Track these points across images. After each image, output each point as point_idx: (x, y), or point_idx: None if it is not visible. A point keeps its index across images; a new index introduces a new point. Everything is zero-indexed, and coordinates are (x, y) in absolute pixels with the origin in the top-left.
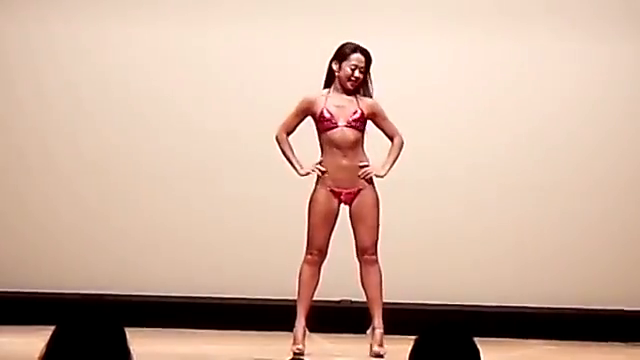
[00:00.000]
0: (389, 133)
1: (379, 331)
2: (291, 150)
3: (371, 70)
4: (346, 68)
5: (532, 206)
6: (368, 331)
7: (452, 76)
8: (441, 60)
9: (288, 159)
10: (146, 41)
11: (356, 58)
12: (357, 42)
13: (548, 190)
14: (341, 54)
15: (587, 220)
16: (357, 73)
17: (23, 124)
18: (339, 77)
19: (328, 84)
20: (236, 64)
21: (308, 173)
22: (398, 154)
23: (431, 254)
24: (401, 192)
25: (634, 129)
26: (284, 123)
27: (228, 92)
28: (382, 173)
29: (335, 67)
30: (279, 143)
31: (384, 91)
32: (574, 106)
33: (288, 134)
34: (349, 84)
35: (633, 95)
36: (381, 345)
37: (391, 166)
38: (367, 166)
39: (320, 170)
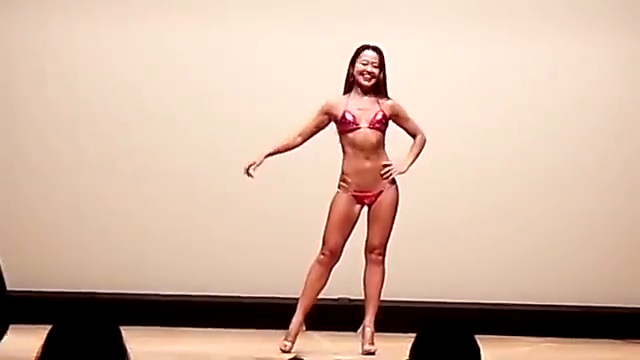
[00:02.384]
0: (412, 132)
1: (369, 329)
2: (281, 148)
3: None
4: (358, 65)
5: (529, 204)
6: (359, 330)
7: (455, 77)
8: (446, 61)
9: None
10: (138, 42)
11: (367, 54)
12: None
13: (544, 188)
14: (355, 55)
15: (584, 218)
16: (370, 68)
17: (17, 123)
18: (355, 77)
19: (347, 89)
20: (234, 64)
21: (249, 167)
22: (420, 151)
23: (429, 251)
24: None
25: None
26: (302, 127)
27: (225, 91)
28: (403, 169)
29: (351, 70)
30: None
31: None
32: (579, 107)
33: (304, 139)
34: (362, 79)
35: (638, 97)
36: (372, 343)
37: (412, 162)
38: (390, 165)
39: (249, 174)
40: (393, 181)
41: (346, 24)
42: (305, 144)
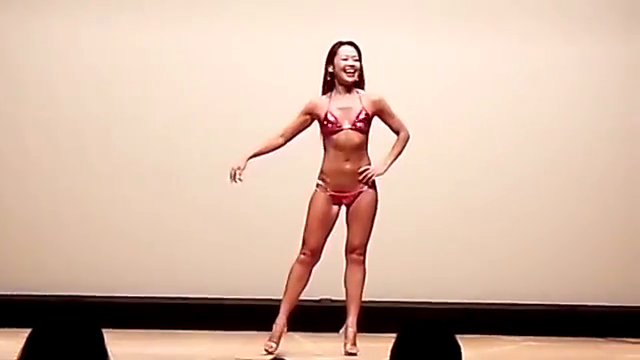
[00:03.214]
0: (395, 128)
1: (352, 330)
2: (263, 149)
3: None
4: (339, 62)
5: (512, 204)
6: (341, 330)
7: (445, 77)
8: (433, 61)
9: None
10: (118, 43)
11: (345, 50)
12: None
13: (528, 188)
14: (331, 53)
15: (567, 218)
16: (351, 62)
17: (1, 124)
18: (336, 75)
19: (326, 90)
20: (217, 65)
21: (237, 170)
22: (402, 149)
23: (411, 252)
24: (383, 190)
25: (627, 130)
26: (285, 128)
27: (207, 93)
28: (381, 171)
29: (330, 68)
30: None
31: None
32: (565, 108)
33: (286, 139)
34: (346, 75)
35: (628, 96)
36: (354, 344)
37: (392, 161)
38: (368, 168)
39: (238, 178)
40: (372, 183)
41: (327, 22)
42: (288, 144)
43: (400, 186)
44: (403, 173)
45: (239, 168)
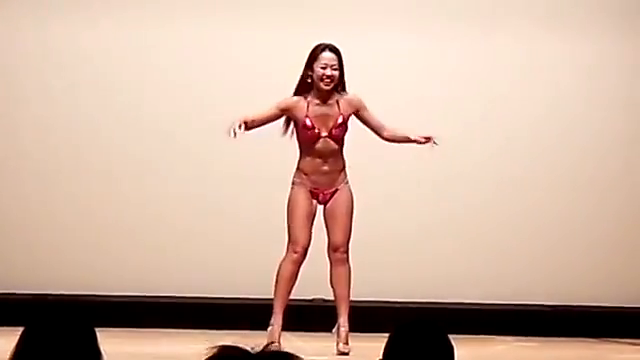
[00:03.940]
0: (375, 126)
1: (344, 329)
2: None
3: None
4: (317, 69)
5: (503, 204)
6: (334, 329)
7: (443, 75)
8: (432, 59)
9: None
10: (112, 40)
11: (325, 57)
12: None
13: (520, 187)
14: (312, 57)
15: (557, 219)
16: (329, 71)
17: None
18: (314, 81)
19: (300, 92)
20: (212, 63)
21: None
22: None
23: (402, 252)
24: (372, 189)
25: (618, 129)
26: (253, 114)
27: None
28: (431, 135)
29: (308, 72)
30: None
31: (372, 90)
32: (555, 107)
33: (251, 128)
34: (322, 84)
35: (620, 95)
36: (346, 343)
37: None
38: (344, 170)
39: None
40: (346, 180)
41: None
42: (273, 144)
43: (391, 185)
44: (394, 171)
45: (241, 125)
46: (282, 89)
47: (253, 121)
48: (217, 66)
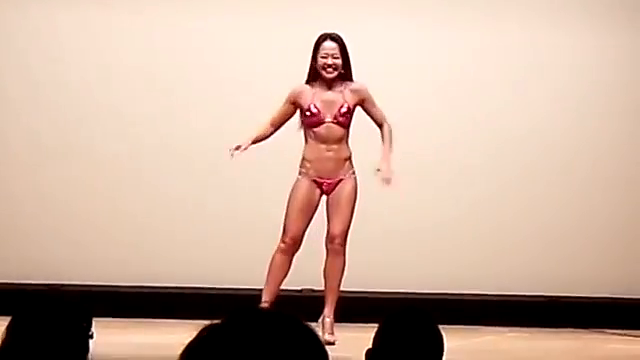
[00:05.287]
0: (377, 120)
1: (329, 320)
2: (259, 136)
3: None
4: (319, 58)
5: (495, 195)
6: (319, 320)
7: (447, 71)
8: (437, 53)
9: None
10: (97, 30)
11: (326, 46)
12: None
13: (512, 179)
14: (315, 47)
15: (548, 210)
16: (330, 60)
17: None
18: (317, 70)
19: (311, 79)
20: (206, 54)
21: (239, 149)
22: (391, 142)
23: (392, 242)
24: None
25: (616, 128)
26: (272, 117)
27: (188, 85)
28: (390, 175)
29: (313, 62)
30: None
31: (373, 80)
32: (551, 106)
33: (275, 128)
34: (324, 73)
35: (619, 93)
36: (331, 333)
37: (389, 158)
38: (350, 160)
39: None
40: (353, 171)
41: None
42: (272, 142)
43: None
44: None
45: (240, 147)
46: (282, 83)
47: (251, 143)
48: (214, 59)
